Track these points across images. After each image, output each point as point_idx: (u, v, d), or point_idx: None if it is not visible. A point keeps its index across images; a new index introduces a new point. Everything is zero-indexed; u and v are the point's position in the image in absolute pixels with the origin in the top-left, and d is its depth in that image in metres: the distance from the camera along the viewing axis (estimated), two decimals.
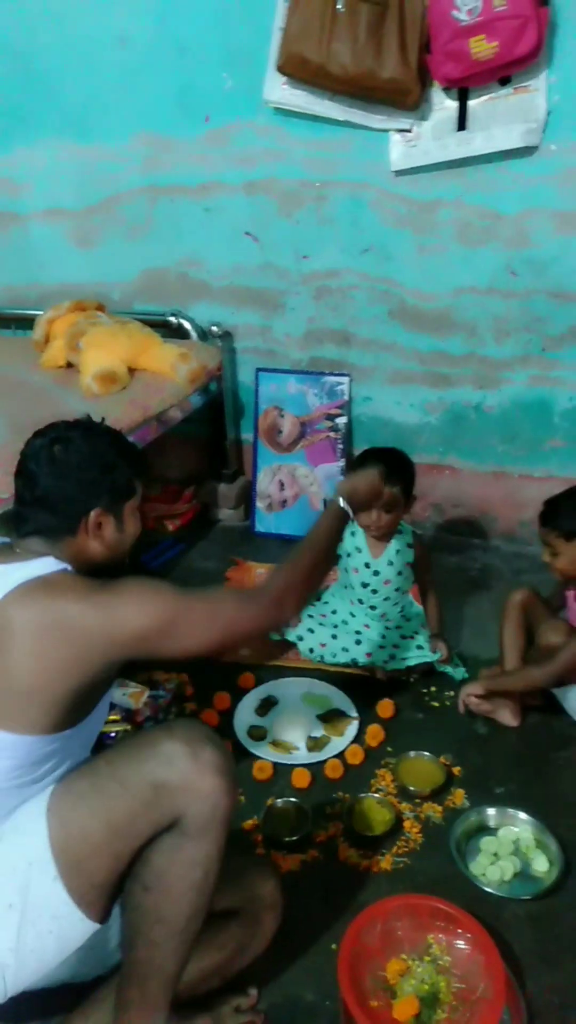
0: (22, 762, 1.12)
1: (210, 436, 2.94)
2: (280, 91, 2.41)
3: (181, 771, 1.08)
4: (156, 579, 1.20)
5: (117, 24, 2.52)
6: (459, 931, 1.37)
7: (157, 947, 1.12)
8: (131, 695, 1.96)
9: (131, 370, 2.44)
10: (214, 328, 2.77)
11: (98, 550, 1.27)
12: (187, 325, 2.78)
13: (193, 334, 2.78)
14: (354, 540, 2.17)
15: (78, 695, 1.13)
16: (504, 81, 2.23)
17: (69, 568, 1.20)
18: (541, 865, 1.60)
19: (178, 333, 2.78)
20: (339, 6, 2.17)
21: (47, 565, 1.18)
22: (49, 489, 1.24)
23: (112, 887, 1.12)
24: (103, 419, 1.40)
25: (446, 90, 2.29)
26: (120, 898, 1.14)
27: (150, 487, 1.41)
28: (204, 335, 2.79)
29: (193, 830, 1.08)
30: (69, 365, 2.49)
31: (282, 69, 2.31)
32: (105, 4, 2.50)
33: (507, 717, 1.95)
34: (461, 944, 1.36)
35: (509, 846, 1.64)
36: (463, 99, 2.28)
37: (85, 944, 1.14)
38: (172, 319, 2.79)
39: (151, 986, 1.14)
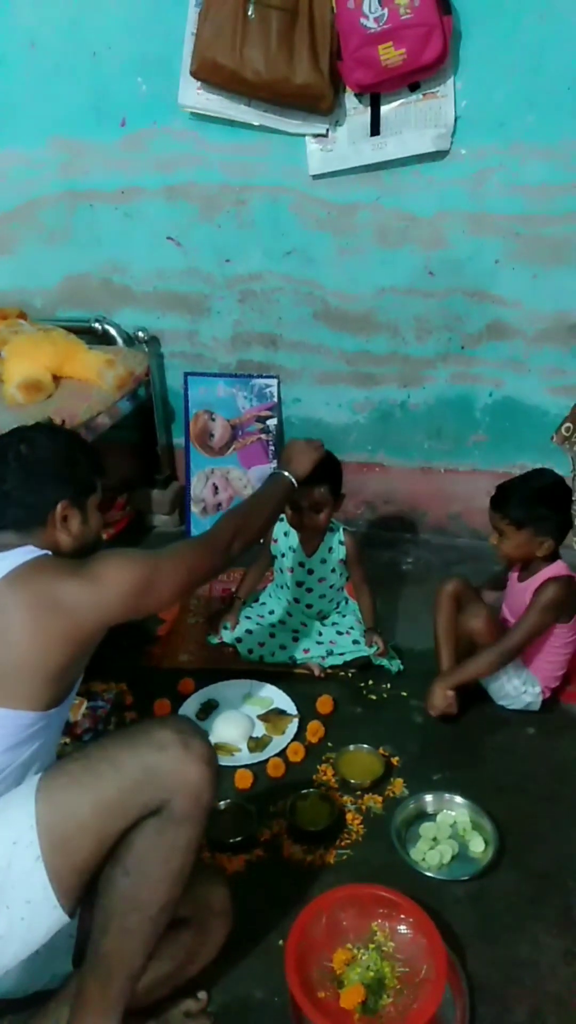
0: (11, 742, 1.19)
1: (141, 442, 2.93)
2: (195, 96, 2.41)
3: (172, 757, 1.13)
4: (125, 548, 1.36)
5: (26, 27, 2.47)
6: (401, 916, 1.41)
7: (129, 936, 1.14)
8: (69, 707, 1.94)
9: (56, 378, 2.41)
10: (140, 333, 2.75)
11: (66, 542, 1.36)
12: (112, 331, 2.76)
13: (119, 340, 2.75)
14: (288, 540, 2.20)
15: (67, 670, 1.24)
16: (414, 87, 2.29)
17: (50, 553, 1.30)
18: (477, 846, 1.66)
19: (103, 339, 2.75)
20: (250, 13, 2.19)
21: (29, 552, 1.27)
22: (17, 485, 1.33)
23: (89, 874, 1.14)
24: (63, 422, 1.51)
25: (358, 96, 2.33)
26: (98, 885, 1.16)
27: (106, 487, 1.53)
28: (130, 341, 2.77)
29: (177, 816, 1.13)
30: None
31: (196, 74, 2.31)
32: (12, 6, 2.46)
33: (451, 708, 1.99)
34: (403, 929, 1.40)
35: (447, 830, 1.70)
36: (375, 105, 2.33)
37: (32, 954, 1.13)
38: (97, 325, 2.76)
39: (114, 983, 1.16)
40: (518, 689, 1.96)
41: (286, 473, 1.79)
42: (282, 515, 2.16)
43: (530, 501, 1.87)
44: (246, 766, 1.85)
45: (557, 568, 1.93)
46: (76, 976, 1.23)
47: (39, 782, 1.15)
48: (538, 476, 1.98)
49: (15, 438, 1.37)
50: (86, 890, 1.16)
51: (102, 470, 1.45)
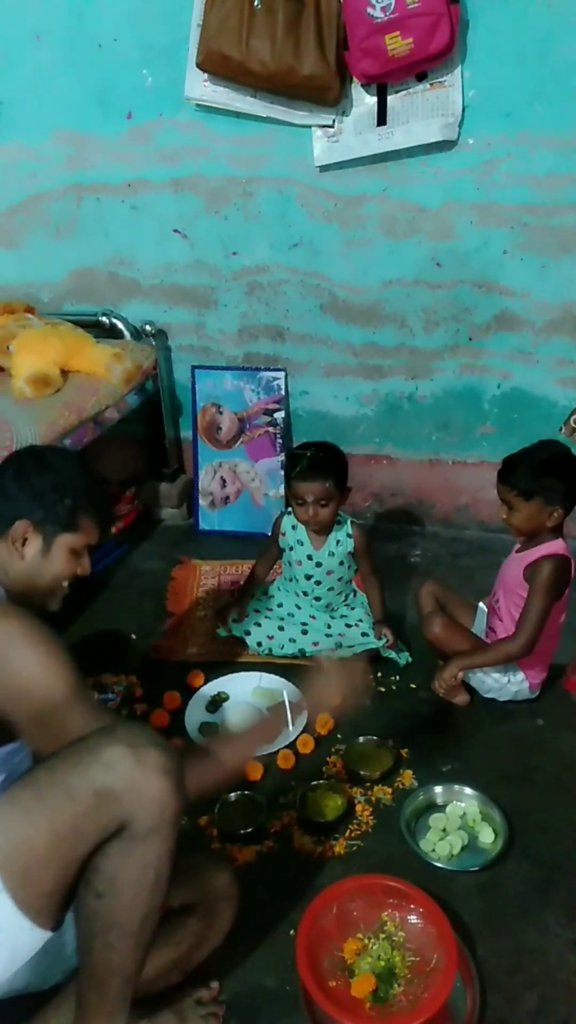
0: None
1: (149, 436, 2.93)
2: (201, 88, 2.40)
3: (124, 775, 1.07)
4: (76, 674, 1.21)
5: (32, 20, 2.47)
6: (411, 906, 1.42)
7: (114, 950, 1.12)
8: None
9: (64, 372, 2.41)
10: (147, 327, 2.76)
11: (15, 566, 1.31)
12: (120, 325, 2.76)
13: (126, 333, 2.76)
14: (296, 533, 2.20)
15: None
16: (421, 77, 2.28)
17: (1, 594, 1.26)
18: (487, 837, 1.67)
19: (111, 333, 2.75)
20: (256, 3, 2.18)
21: None
22: None
23: (62, 895, 1.11)
24: (86, 455, 1.49)
25: (365, 86, 2.32)
26: (73, 904, 1.14)
27: (103, 536, 1.43)
28: (137, 334, 2.77)
29: (141, 833, 1.08)
30: (0, 369, 2.45)
31: (202, 66, 2.31)
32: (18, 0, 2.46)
33: (461, 698, 2.00)
34: (414, 919, 1.41)
35: (456, 821, 1.70)
36: (382, 95, 2.32)
37: (39, 951, 1.13)
38: (104, 319, 2.76)
39: (110, 989, 1.14)
40: (499, 681, 1.96)
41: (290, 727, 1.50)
42: (290, 508, 2.17)
43: (538, 471, 1.84)
44: (256, 758, 1.85)
45: (555, 546, 1.88)
46: (74, 980, 1.21)
47: None
48: (544, 447, 1.92)
49: (28, 449, 1.39)
50: (66, 906, 1.13)
51: (100, 516, 1.39)
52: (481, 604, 2.13)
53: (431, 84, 2.28)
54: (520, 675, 1.97)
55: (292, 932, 1.45)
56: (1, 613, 1.22)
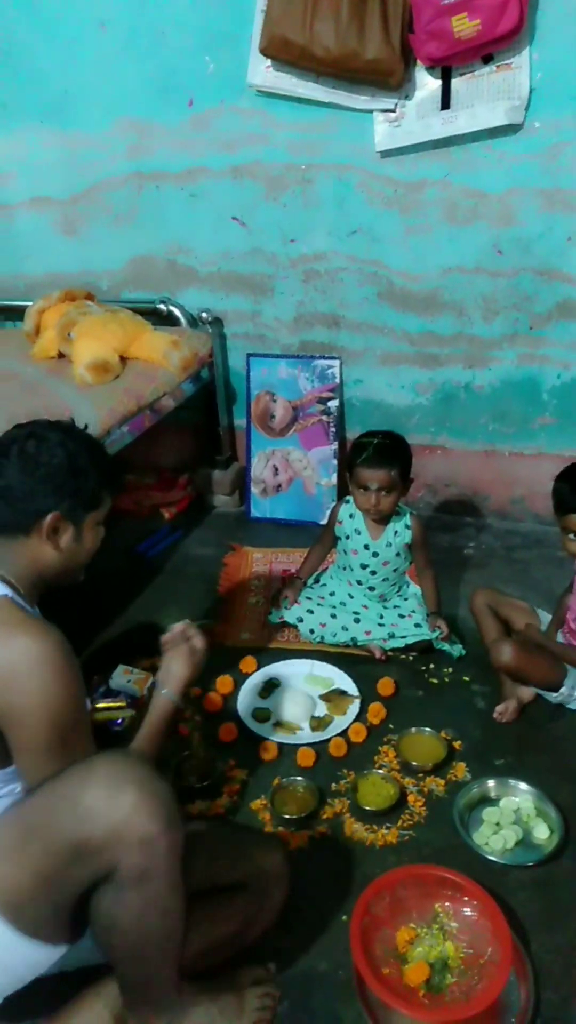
0: None
1: (203, 423, 2.95)
2: (264, 74, 2.40)
3: (103, 825, 1.01)
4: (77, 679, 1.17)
5: (96, 9, 2.49)
6: (465, 898, 1.41)
7: (139, 966, 1.11)
8: (136, 682, 1.99)
9: (123, 359, 2.45)
10: (204, 314, 2.77)
11: (52, 556, 1.28)
12: (177, 312, 2.78)
13: (183, 321, 2.78)
14: (353, 522, 2.19)
15: None
16: (487, 59, 2.23)
17: (8, 593, 1.21)
18: (542, 833, 1.65)
19: (168, 320, 2.78)
20: None
21: None
22: (12, 482, 1.25)
23: (67, 918, 1.08)
24: (86, 426, 1.42)
25: (429, 69, 2.28)
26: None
27: (119, 499, 1.43)
28: (194, 322, 2.79)
29: (131, 880, 1.03)
30: (61, 355, 2.49)
31: (265, 51, 2.30)
32: None
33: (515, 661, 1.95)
34: (468, 911, 1.41)
35: (510, 816, 1.69)
36: (446, 78, 2.28)
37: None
38: (161, 306, 2.79)
39: (148, 989, 1.14)
40: (572, 691, 1.92)
41: (164, 691, 1.40)
42: (348, 497, 2.17)
43: None
44: (308, 744, 1.87)
45: None
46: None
47: None
48: None
49: (25, 431, 1.28)
50: (80, 922, 1.09)
51: (116, 484, 1.34)
52: (540, 611, 2.10)
53: (497, 66, 2.23)
54: None
55: (345, 918, 1.46)
56: (23, 630, 1.15)
